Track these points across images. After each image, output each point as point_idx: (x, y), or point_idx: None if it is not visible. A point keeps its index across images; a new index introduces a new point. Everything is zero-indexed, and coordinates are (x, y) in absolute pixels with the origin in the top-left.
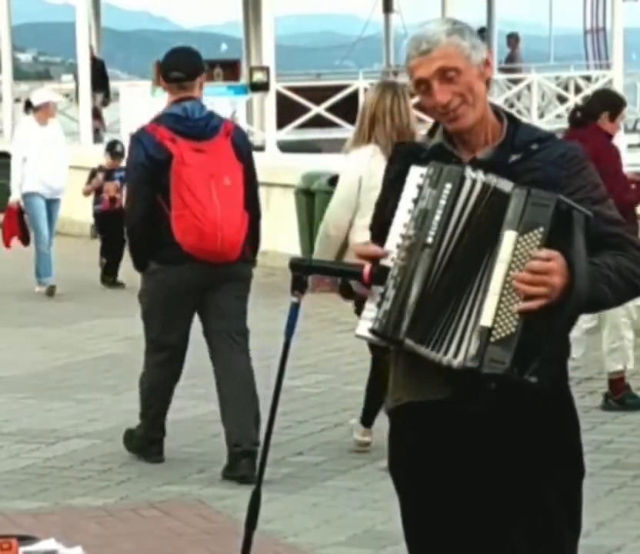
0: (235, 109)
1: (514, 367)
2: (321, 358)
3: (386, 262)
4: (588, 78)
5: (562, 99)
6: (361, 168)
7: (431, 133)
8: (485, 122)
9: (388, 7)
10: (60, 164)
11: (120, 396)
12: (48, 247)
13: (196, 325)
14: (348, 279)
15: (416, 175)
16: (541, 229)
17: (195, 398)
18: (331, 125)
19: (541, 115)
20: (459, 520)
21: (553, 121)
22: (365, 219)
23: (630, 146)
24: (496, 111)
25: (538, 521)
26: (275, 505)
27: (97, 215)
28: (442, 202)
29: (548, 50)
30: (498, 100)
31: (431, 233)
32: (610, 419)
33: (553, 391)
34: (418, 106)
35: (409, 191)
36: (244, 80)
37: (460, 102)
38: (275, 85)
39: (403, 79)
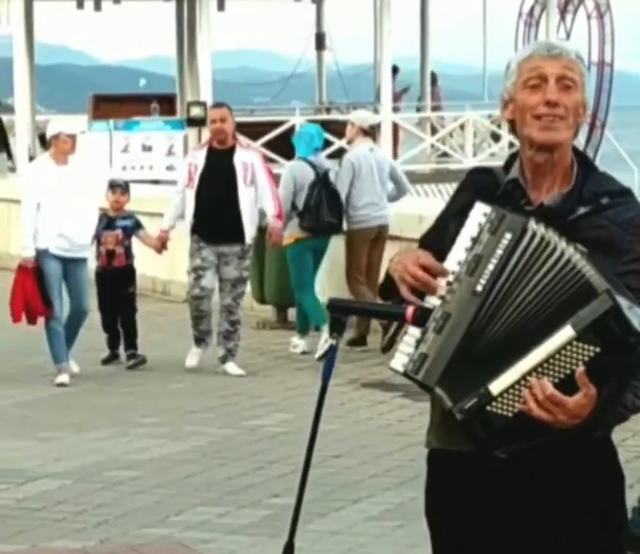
0: None
1: (488, 438)
2: (282, 397)
3: (431, 302)
4: None
5: (496, 137)
6: None
7: (507, 165)
8: (564, 159)
9: (320, 44)
10: (82, 212)
11: (82, 435)
12: (59, 323)
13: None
14: (390, 321)
15: (480, 212)
16: (597, 349)
17: (160, 437)
18: (267, 160)
19: (474, 154)
20: None
21: (487, 159)
22: None
23: None
24: (574, 152)
25: None
26: (261, 549)
27: (96, 273)
28: (499, 252)
29: (482, 89)
30: (431, 139)
31: (482, 281)
32: None
33: (585, 444)
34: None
35: (469, 228)
36: (180, 115)
37: (563, 114)
38: None
39: (336, 116)
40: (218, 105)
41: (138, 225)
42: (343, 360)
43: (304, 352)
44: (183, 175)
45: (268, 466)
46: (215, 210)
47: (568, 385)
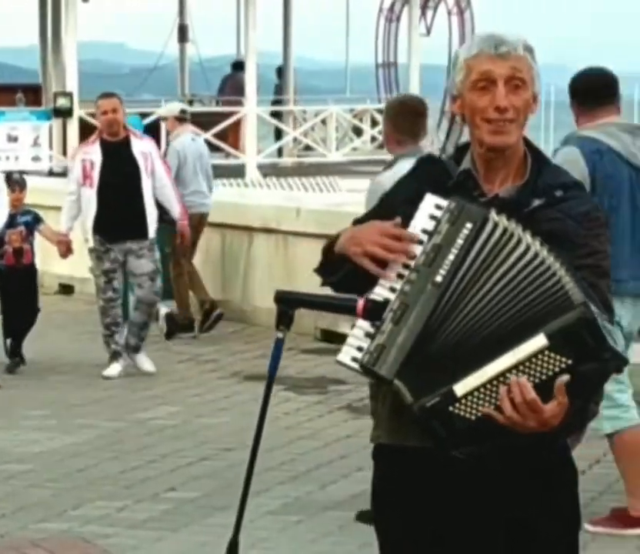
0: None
1: (448, 437)
2: (167, 390)
3: (376, 296)
4: (381, 112)
5: (358, 131)
6: None
7: (457, 154)
8: (516, 154)
9: (183, 37)
10: None
11: None
12: None
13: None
14: (339, 314)
15: (431, 204)
16: (569, 362)
17: (49, 430)
18: None
19: (337, 148)
20: None
21: (350, 153)
22: None
23: None
24: (524, 146)
25: None
26: (166, 544)
27: (1, 273)
28: (459, 242)
29: (344, 84)
30: (295, 132)
31: (442, 272)
32: None
33: (541, 443)
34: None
35: (420, 220)
36: (45, 105)
37: (514, 117)
38: (79, 111)
39: (198, 108)
40: (107, 95)
41: (37, 220)
42: (225, 352)
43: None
44: (76, 174)
45: (161, 459)
46: (120, 205)
47: (536, 393)
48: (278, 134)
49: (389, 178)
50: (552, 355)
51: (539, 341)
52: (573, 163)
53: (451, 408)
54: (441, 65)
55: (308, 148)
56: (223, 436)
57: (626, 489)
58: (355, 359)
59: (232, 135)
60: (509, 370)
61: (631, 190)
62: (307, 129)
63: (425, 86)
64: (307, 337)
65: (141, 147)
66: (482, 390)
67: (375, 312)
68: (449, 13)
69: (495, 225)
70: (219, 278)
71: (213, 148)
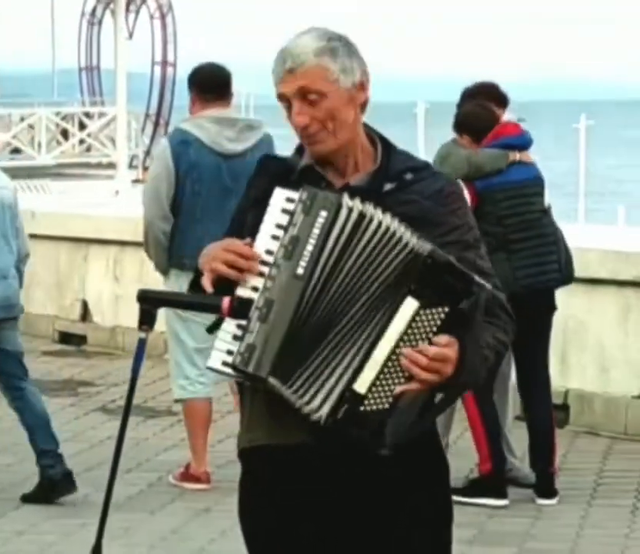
0: None
1: (372, 439)
2: None
3: (244, 294)
4: (88, 115)
5: (65, 134)
6: None
7: (300, 151)
8: (354, 147)
9: None
10: None
11: None
12: None
13: None
14: (204, 312)
15: (281, 198)
16: (446, 309)
17: None
18: None
19: (48, 151)
20: None
21: (59, 156)
22: None
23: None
24: (370, 135)
25: None
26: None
27: None
28: (316, 231)
29: (52, 87)
30: (5, 136)
31: (302, 264)
32: None
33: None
34: None
35: (273, 215)
36: None
37: (318, 129)
38: None
39: None
40: None
41: None
42: None
43: None
44: None
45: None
46: None
47: None
48: None
49: None
50: (428, 311)
51: (410, 305)
52: (161, 153)
53: (362, 408)
54: (145, 72)
55: (16, 150)
56: None
57: (190, 448)
58: (225, 363)
59: None
60: (397, 345)
61: (218, 175)
62: (16, 132)
63: (129, 92)
64: (45, 339)
65: None
66: (382, 377)
67: (240, 310)
68: (151, 17)
69: (350, 210)
70: None
71: None
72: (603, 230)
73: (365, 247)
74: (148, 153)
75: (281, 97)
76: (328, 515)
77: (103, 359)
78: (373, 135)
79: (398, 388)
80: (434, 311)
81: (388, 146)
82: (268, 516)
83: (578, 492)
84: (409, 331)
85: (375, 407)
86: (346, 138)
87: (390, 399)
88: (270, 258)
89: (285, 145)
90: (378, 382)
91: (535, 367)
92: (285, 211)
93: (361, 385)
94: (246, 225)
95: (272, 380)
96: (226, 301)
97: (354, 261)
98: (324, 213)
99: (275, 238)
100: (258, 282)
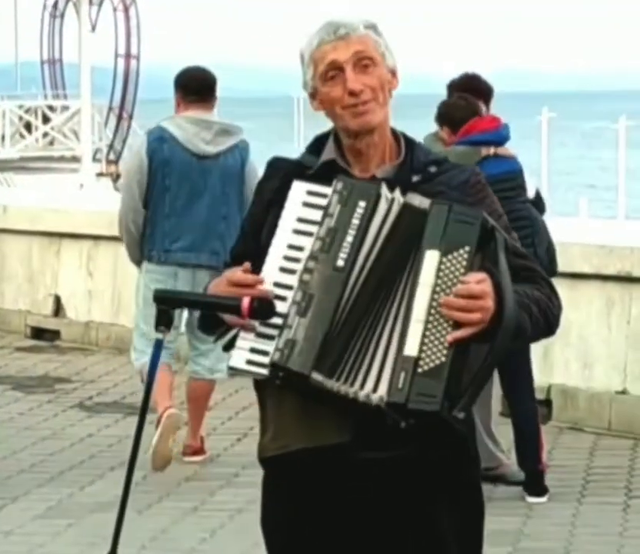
0: None
1: (445, 401)
2: None
3: (272, 293)
4: (51, 108)
5: (29, 128)
6: None
7: (312, 150)
8: (385, 136)
9: None
10: None
11: None
12: None
13: None
14: (221, 313)
15: (301, 191)
16: (467, 248)
17: None
18: None
19: (12, 144)
20: None
21: (23, 149)
22: None
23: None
24: (392, 128)
25: None
26: None
27: None
28: (355, 222)
29: (15, 80)
30: None
31: (342, 256)
32: None
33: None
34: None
35: (293, 210)
36: None
37: (371, 97)
38: None
39: None
40: None
41: None
42: None
43: None
44: None
45: None
46: None
47: None
48: None
49: None
50: (450, 256)
51: (431, 256)
52: (138, 148)
53: (419, 370)
54: (108, 66)
55: None
56: None
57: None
58: (250, 362)
59: None
60: (432, 299)
61: (188, 173)
62: None
63: (93, 87)
64: (18, 335)
65: None
66: (428, 333)
67: (260, 310)
68: (115, 9)
69: (392, 201)
70: None
71: None
72: (565, 222)
73: (397, 231)
74: (111, 147)
75: (331, 67)
76: (361, 519)
77: (78, 355)
78: (394, 129)
79: (449, 337)
80: (456, 254)
81: (410, 140)
82: (306, 526)
83: (568, 489)
84: (439, 281)
85: (431, 365)
86: (386, 118)
87: (444, 351)
88: (293, 253)
89: None
90: (426, 340)
91: (517, 364)
92: (307, 204)
93: (411, 349)
94: (266, 227)
95: (316, 375)
96: (246, 301)
97: (391, 249)
98: (362, 203)
99: (297, 232)
100: (284, 279)
